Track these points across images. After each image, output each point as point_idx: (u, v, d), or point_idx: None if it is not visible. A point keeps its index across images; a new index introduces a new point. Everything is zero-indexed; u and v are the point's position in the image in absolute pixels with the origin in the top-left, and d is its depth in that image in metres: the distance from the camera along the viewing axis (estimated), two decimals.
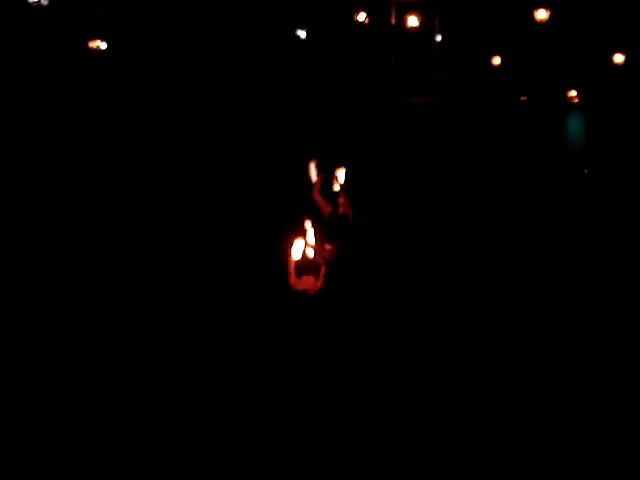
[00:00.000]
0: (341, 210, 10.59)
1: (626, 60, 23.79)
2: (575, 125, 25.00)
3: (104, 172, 17.60)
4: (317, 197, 10.77)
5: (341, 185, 11.09)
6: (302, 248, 9.68)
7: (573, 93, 24.87)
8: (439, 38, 24.81)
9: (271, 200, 15.62)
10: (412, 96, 24.38)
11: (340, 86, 24.01)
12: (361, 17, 23.43)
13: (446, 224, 15.80)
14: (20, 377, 8.00)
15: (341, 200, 10.86)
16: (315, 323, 9.90)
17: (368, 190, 15.95)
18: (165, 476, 5.77)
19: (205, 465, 6.03)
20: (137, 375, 8.19)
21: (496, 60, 24.16)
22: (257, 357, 8.88)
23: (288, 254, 9.72)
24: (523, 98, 24.83)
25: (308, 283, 9.69)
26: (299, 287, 9.67)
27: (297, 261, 9.65)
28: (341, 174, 11.37)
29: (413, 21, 23.84)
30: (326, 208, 10.75)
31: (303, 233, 9.79)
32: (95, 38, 22.06)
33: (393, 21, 24.65)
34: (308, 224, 9.87)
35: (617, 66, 23.80)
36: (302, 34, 23.69)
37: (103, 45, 21.99)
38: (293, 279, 9.66)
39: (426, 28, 24.39)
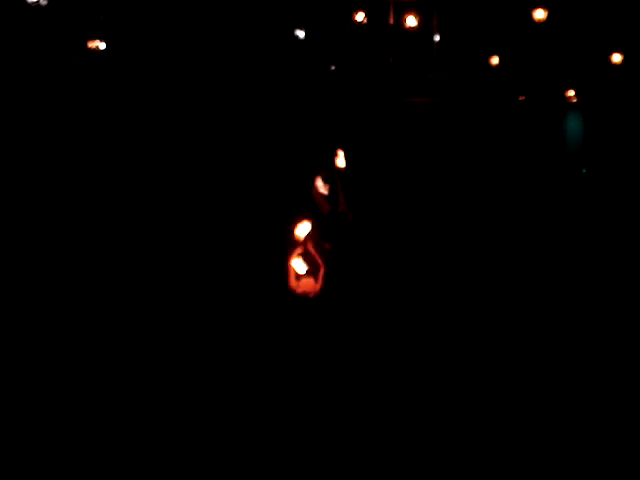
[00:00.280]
0: (340, 208, 10.60)
1: (624, 60, 23.82)
2: (573, 125, 25.01)
3: (104, 171, 17.61)
4: (317, 196, 10.79)
5: (340, 184, 11.10)
6: (301, 249, 9.70)
7: (571, 93, 24.88)
8: (437, 38, 24.84)
9: (270, 200, 15.62)
10: (411, 96, 24.39)
11: (339, 86, 24.02)
12: (360, 17, 23.45)
13: (445, 223, 15.81)
14: (20, 377, 8.00)
15: (340, 199, 10.87)
16: (316, 326, 9.92)
17: (367, 189, 15.96)
18: (165, 476, 5.77)
19: (205, 465, 6.04)
20: (137, 376, 8.18)
21: (494, 60, 24.18)
22: (257, 360, 8.88)
23: (287, 255, 9.74)
24: (521, 98, 24.85)
25: (308, 285, 9.69)
26: (299, 290, 9.66)
27: (295, 261, 9.66)
28: (340, 173, 11.38)
29: (411, 21, 23.86)
30: (325, 207, 10.77)
31: (302, 234, 9.81)
32: (94, 38, 22.07)
33: (391, 21, 24.67)
34: (307, 225, 9.88)
35: (615, 66, 23.82)
36: (301, 34, 23.71)
37: (102, 45, 22.00)
38: (293, 281, 9.67)
39: (424, 28, 24.41)
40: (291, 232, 9.61)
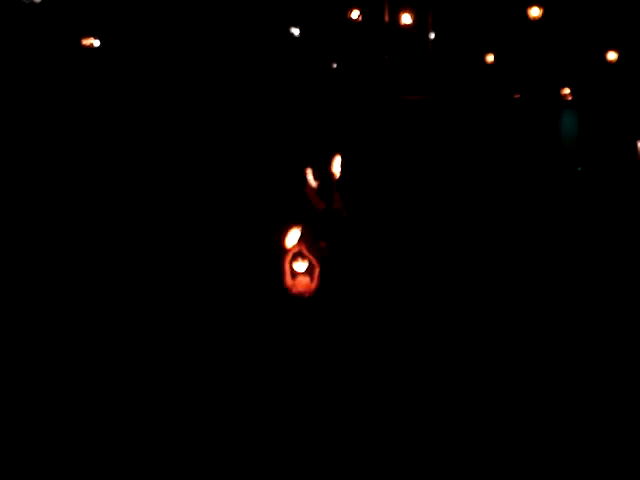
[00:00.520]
0: (335, 206, 10.58)
1: (619, 58, 23.82)
2: (568, 123, 25.01)
3: (98, 169, 17.58)
4: (311, 194, 10.77)
5: (335, 182, 11.08)
6: (299, 235, 9.67)
7: (567, 91, 24.88)
8: (432, 36, 24.83)
9: (264, 199, 15.60)
10: (406, 94, 24.38)
11: (333, 84, 24.01)
12: (355, 15, 23.44)
13: (440, 221, 15.80)
14: (20, 377, 7.98)
15: (335, 196, 10.86)
16: (312, 326, 9.90)
17: (362, 187, 15.95)
18: (165, 476, 5.76)
19: (204, 465, 6.02)
20: (134, 376, 8.16)
21: (489, 58, 24.19)
22: (254, 360, 8.86)
23: (281, 254, 9.72)
24: (516, 96, 24.85)
25: (303, 284, 9.67)
26: (295, 290, 9.64)
27: (291, 262, 9.63)
28: (335, 171, 11.37)
29: (406, 19, 23.84)
30: (320, 205, 10.75)
31: (291, 242, 9.78)
32: (88, 36, 22.04)
33: (386, 19, 24.66)
34: (296, 232, 9.86)
35: (610, 64, 23.83)
36: (295, 32, 23.70)
37: (96, 43, 21.97)
38: (288, 281, 9.64)
39: (419, 26, 24.40)
40: (285, 232, 9.60)
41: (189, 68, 22.12)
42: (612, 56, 23.54)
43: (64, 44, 21.75)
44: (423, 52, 24.94)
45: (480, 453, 6.22)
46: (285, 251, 9.54)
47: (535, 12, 22.04)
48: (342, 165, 11.29)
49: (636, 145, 22.37)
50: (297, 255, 9.59)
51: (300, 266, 9.51)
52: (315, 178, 10.74)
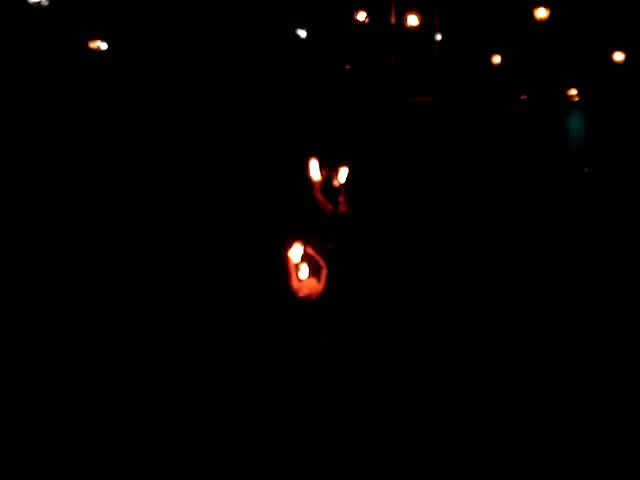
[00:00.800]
0: (342, 209, 10.59)
1: (626, 58, 23.78)
2: (575, 124, 24.99)
3: (104, 172, 17.59)
4: (319, 196, 10.77)
5: (342, 184, 11.07)
6: (301, 250, 9.67)
7: (573, 92, 24.85)
8: (439, 37, 24.79)
9: (271, 201, 15.61)
10: (412, 95, 24.36)
11: (340, 85, 24.00)
12: (361, 16, 23.41)
13: (447, 222, 15.80)
14: (20, 377, 7.98)
15: (341, 199, 10.86)
16: (319, 328, 9.90)
17: (369, 189, 15.95)
18: (164, 476, 5.75)
19: (204, 465, 6.01)
20: (135, 378, 8.15)
21: (496, 59, 24.15)
22: (260, 362, 8.85)
23: (288, 257, 9.70)
24: (523, 97, 24.82)
25: (310, 286, 9.67)
26: (302, 293, 9.64)
27: (298, 264, 9.63)
28: (342, 173, 11.36)
29: (413, 20, 23.80)
30: (327, 207, 10.75)
31: (303, 235, 9.80)
32: (95, 38, 22.04)
33: (393, 20, 24.64)
34: (299, 248, 9.86)
35: (617, 64, 23.78)
36: (302, 33, 23.68)
37: (103, 46, 21.97)
38: (295, 283, 9.64)
39: (426, 27, 24.37)
40: (291, 234, 9.62)
41: (196, 70, 22.13)
42: (619, 57, 23.49)
43: (71, 47, 21.76)
44: (430, 53, 24.92)
45: (480, 453, 6.22)
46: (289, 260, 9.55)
47: (542, 13, 21.99)
48: (349, 167, 11.29)
49: None
50: (303, 258, 9.60)
51: (303, 272, 9.51)
52: (322, 180, 10.74)
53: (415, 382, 8.24)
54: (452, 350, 9.47)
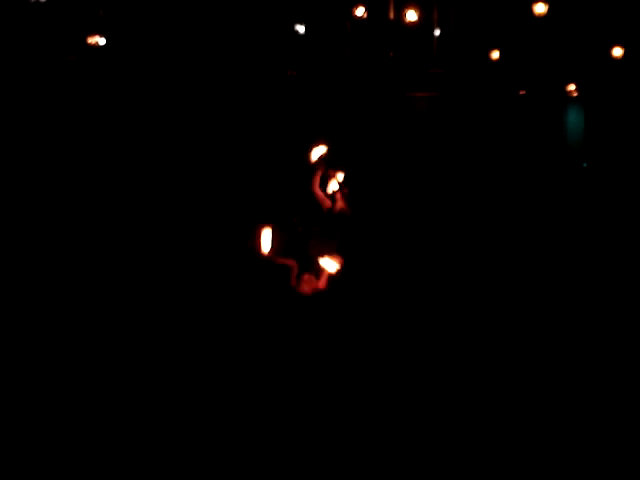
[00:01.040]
0: (339, 205, 10.58)
1: (625, 53, 23.78)
2: (574, 119, 24.99)
3: (101, 168, 17.59)
4: (317, 192, 10.76)
5: (340, 180, 11.07)
6: (300, 247, 9.68)
7: (572, 87, 24.85)
8: (438, 32, 24.79)
9: (270, 197, 15.61)
10: (411, 90, 24.36)
11: (339, 81, 23.99)
12: (360, 11, 23.41)
13: (445, 219, 15.80)
14: (20, 377, 7.99)
15: (339, 195, 10.85)
16: (318, 324, 9.91)
17: (367, 185, 15.95)
18: (165, 476, 5.77)
19: (204, 465, 6.02)
20: (134, 376, 8.16)
21: (495, 54, 24.16)
22: (259, 359, 8.86)
23: (286, 253, 9.72)
24: (522, 92, 24.82)
25: (309, 283, 9.67)
26: (300, 289, 9.64)
27: (296, 260, 9.64)
28: (340, 169, 11.36)
29: (412, 15, 23.80)
30: (326, 203, 10.74)
31: (301, 231, 9.80)
32: (94, 34, 22.03)
33: (391, 15, 24.63)
34: (305, 222, 9.87)
35: (616, 60, 23.79)
36: (301, 29, 23.68)
37: (102, 41, 21.96)
38: (294, 279, 9.65)
39: (425, 22, 24.37)
40: (289, 231, 9.62)
41: (194, 66, 22.12)
42: (618, 52, 23.50)
43: (69, 42, 21.75)
44: (428, 49, 24.92)
45: (480, 453, 6.23)
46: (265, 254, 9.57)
47: (540, 8, 21.99)
48: (347, 164, 11.30)
49: None
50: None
51: (331, 266, 9.52)
52: (324, 179, 10.73)
53: (414, 380, 8.25)
54: (452, 347, 9.47)
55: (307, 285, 9.82)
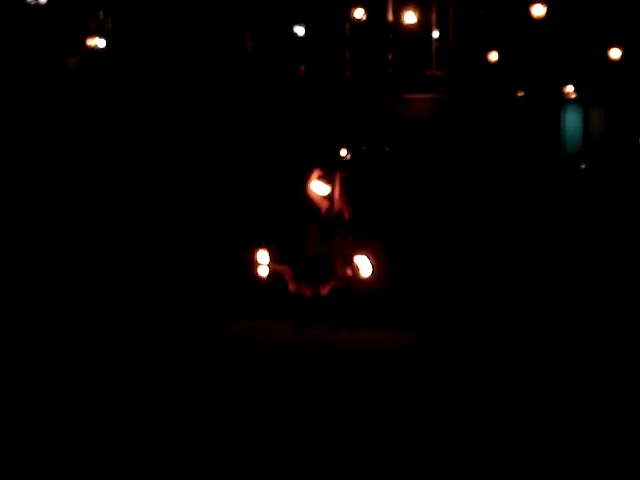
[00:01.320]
0: (337, 206, 10.60)
1: (623, 55, 23.86)
2: (572, 120, 25.07)
3: (100, 169, 17.63)
4: (313, 194, 10.79)
5: (338, 182, 11.11)
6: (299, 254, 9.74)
7: (570, 88, 24.93)
8: (436, 34, 24.87)
9: (268, 201, 15.64)
10: (409, 92, 24.44)
11: (337, 82, 24.07)
12: (358, 14, 23.49)
13: (442, 219, 15.84)
14: (20, 377, 8.05)
15: (336, 196, 10.87)
16: (316, 326, 9.96)
17: (365, 185, 15.98)
18: (165, 476, 5.83)
19: (204, 466, 6.09)
20: (134, 376, 8.22)
21: (493, 56, 24.22)
22: (256, 359, 8.91)
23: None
24: (520, 93, 24.90)
25: (307, 289, 9.72)
26: (299, 290, 9.68)
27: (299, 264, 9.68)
28: (339, 170, 11.41)
29: (410, 17, 23.87)
30: (324, 205, 10.77)
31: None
32: (93, 36, 22.12)
33: (390, 18, 24.71)
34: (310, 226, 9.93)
35: (614, 61, 23.87)
36: (300, 31, 23.76)
37: (101, 43, 22.05)
38: (291, 284, 9.69)
39: (423, 24, 24.44)
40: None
41: (193, 68, 22.18)
42: (615, 54, 23.57)
43: (68, 44, 21.83)
44: (426, 51, 24.99)
45: (480, 453, 6.30)
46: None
47: (538, 10, 22.07)
48: (345, 165, 11.36)
49: (638, 142, 22.39)
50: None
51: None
52: (322, 181, 10.75)
53: (414, 378, 8.31)
54: (452, 346, 9.54)
55: (306, 290, 9.87)
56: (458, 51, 24.81)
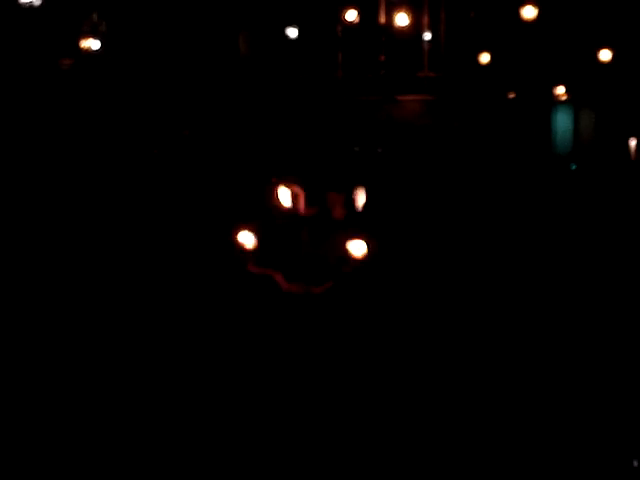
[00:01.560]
0: (337, 209, 10.60)
1: (614, 57, 23.94)
2: (563, 121, 25.14)
3: (94, 170, 17.66)
4: (281, 200, 10.66)
5: (332, 185, 11.13)
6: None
7: (561, 90, 25.00)
8: (428, 36, 24.93)
9: (260, 201, 15.67)
10: (401, 93, 24.49)
11: (330, 85, 24.10)
12: (350, 16, 23.53)
13: (435, 220, 15.88)
14: (20, 377, 8.04)
15: (332, 199, 10.88)
16: (309, 324, 10.00)
17: (358, 188, 16.02)
18: (165, 476, 5.82)
19: (204, 465, 6.06)
20: (131, 375, 8.20)
21: (485, 58, 24.30)
22: (253, 358, 8.91)
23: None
24: (512, 95, 24.97)
25: (300, 287, 9.76)
26: (291, 289, 9.72)
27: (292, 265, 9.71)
28: (334, 173, 11.43)
29: (402, 19, 23.93)
30: (307, 211, 10.75)
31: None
32: (87, 37, 22.11)
33: (382, 19, 24.77)
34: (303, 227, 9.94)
35: (604, 63, 23.94)
36: (292, 33, 23.79)
37: (95, 45, 22.05)
38: (283, 283, 9.72)
39: (415, 26, 24.50)
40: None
41: (187, 70, 22.21)
42: (606, 55, 23.65)
43: (62, 46, 21.83)
44: (419, 52, 25.05)
45: (480, 453, 6.32)
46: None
47: (529, 13, 22.14)
48: (338, 168, 11.38)
49: (628, 143, 22.49)
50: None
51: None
52: (301, 186, 10.70)
53: (412, 378, 8.33)
54: (450, 348, 9.56)
55: (299, 287, 9.90)
56: (450, 53, 24.88)
